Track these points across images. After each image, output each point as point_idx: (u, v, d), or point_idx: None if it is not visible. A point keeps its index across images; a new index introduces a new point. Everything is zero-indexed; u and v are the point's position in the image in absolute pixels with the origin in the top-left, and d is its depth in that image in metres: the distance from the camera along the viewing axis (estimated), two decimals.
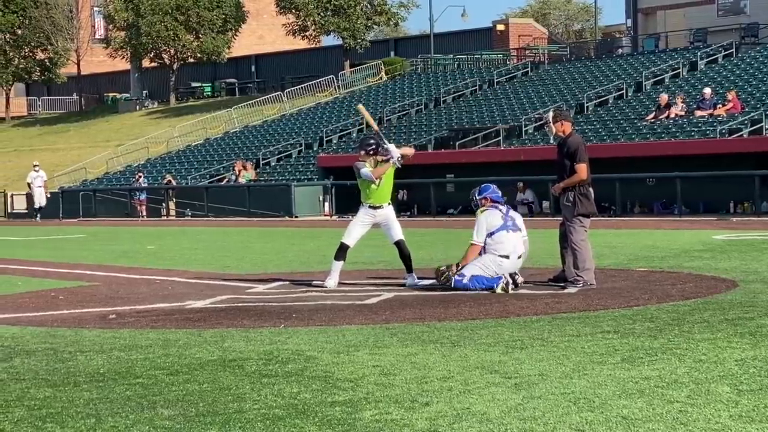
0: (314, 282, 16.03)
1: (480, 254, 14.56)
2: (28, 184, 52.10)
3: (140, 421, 7.16)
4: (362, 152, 15.74)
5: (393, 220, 15.63)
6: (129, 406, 7.63)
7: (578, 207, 14.39)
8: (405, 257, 15.53)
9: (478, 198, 15.00)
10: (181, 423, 7.09)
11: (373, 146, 15.73)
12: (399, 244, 15.59)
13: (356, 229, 15.70)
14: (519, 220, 14.99)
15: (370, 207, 15.59)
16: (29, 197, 53.62)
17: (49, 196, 52.03)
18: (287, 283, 16.35)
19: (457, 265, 14.58)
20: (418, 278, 15.38)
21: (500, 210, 14.79)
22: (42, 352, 10.26)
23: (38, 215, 50.62)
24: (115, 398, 7.94)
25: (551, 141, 14.34)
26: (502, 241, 14.53)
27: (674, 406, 7.10)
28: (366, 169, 15.48)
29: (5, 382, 8.74)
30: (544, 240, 18.53)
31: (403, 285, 15.26)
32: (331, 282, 15.46)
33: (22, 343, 10.94)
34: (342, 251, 15.63)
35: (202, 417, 7.23)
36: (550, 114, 15.09)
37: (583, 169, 14.41)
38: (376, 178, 15.45)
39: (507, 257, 14.48)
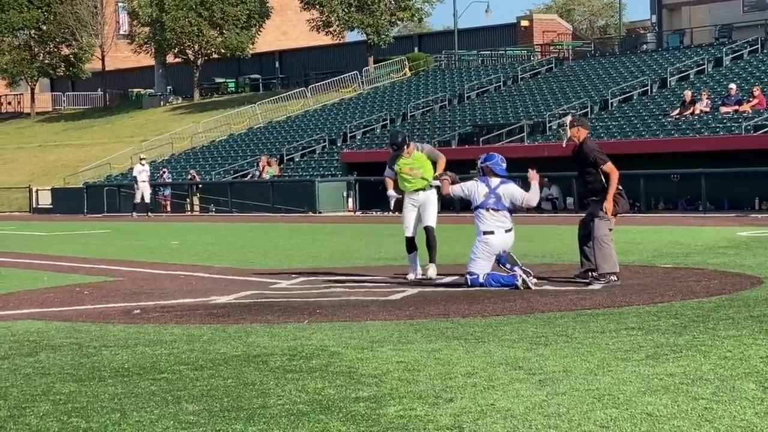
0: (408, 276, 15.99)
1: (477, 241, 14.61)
2: (134, 178, 47.78)
3: (165, 416, 7.18)
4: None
5: (430, 203, 15.91)
6: (154, 401, 7.65)
7: (615, 206, 14.45)
8: (429, 246, 15.76)
9: (480, 165, 15.00)
10: (206, 418, 7.10)
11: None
12: (426, 230, 15.83)
13: (408, 217, 15.97)
14: (507, 193, 14.63)
15: (411, 192, 15.99)
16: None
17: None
18: (311, 278, 16.36)
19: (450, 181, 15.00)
20: (438, 274, 15.50)
21: (489, 185, 14.66)
22: (67, 346, 10.30)
23: (136, 211, 46.73)
24: (139, 393, 7.96)
25: (564, 144, 14.44)
26: (479, 216, 14.54)
27: (699, 403, 7.07)
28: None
29: (31, 377, 8.78)
30: (569, 236, 18.49)
31: (425, 278, 15.37)
32: (412, 275, 15.75)
33: (47, 337, 10.98)
34: (410, 244, 15.89)
35: (227, 412, 7.25)
36: (569, 118, 15.21)
37: (612, 168, 14.44)
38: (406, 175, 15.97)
39: (492, 233, 14.45)
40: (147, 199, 47.13)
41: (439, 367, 8.62)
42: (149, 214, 46.56)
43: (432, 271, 15.52)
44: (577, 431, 6.50)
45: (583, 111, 46.54)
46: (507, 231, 14.57)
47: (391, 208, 16.29)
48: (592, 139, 15.02)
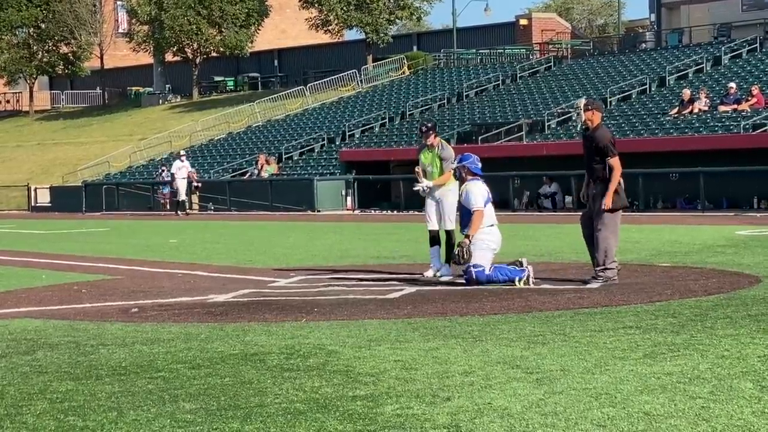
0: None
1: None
2: (172, 175, 45.85)
3: (162, 415, 7.17)
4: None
5: (448, 204, 15.86)
6: (151, 400, 7.65)
7: (614, 201, 14.27)
8: (449, 246, 15.78)
9: (457, 166, 15.08)
10: (203, 417, 7.10)
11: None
12: (447, 233, 15.90)
13: (428, 211, 16.08)
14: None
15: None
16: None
17: (199, 185, 47.29)
18: (309, 277, 16.36)
19: (467, 236, 14.49)
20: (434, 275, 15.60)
21: (483, 183, 14.82)
22: (65, 345, 10.30)
23: (179, 210, 45.03)
24: (136, 392, 7.95)
25: (578, 129, 14.25)
26: (488, 213, 14.64)
27: (696, 402, 7.07)
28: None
29: (28, 375, 8.78)
30: (568, 235, 18.49)
31: (423, 276, 15.41)
32: (430, 273, 15.82)
33: (45, 336, 10.98)
34: (432, 238, 15.97)
35: (224, 411, 7.24)
36: (582, 101, 14.96)
37: (617, 163, 14.30)
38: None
39: (492, 225, 14.67)
40: (183, 197, 45.54)
41: (436, 365, 8.61)
42: (186, 212, 45.50)
43: (447, 269, 15.60)
44: (574, 430, 6.49)
45: None
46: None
47: (423, 194, 16.21)
48: (606, 127, 14.82)
